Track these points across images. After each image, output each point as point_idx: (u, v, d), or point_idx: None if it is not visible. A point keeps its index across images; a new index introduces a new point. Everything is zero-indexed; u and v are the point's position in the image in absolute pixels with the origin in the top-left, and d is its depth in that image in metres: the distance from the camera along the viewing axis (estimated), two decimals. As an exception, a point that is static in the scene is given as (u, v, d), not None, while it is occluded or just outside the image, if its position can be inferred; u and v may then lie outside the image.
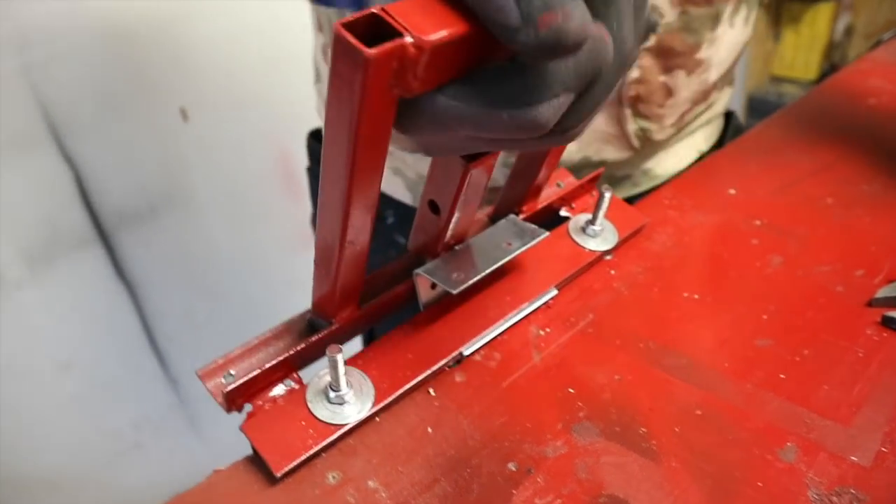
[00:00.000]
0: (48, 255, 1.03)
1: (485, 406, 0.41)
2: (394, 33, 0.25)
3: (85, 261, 1.07)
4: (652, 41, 0.61)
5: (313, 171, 0.83)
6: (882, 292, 0.47)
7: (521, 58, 0.26)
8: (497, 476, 0.37)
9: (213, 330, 1.30)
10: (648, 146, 0.69)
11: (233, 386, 0.38)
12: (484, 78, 0.27)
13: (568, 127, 0.29)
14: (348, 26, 0.25)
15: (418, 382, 0.42)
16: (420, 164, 0.71)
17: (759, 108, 2.48)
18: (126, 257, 1.12)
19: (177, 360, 1.25)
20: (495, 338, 0.46)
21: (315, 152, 0.82)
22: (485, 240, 0.46)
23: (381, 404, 0.40)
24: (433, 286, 0.45)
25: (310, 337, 0.42)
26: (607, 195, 0.51)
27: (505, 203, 0.51)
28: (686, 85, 0.66)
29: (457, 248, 0.45)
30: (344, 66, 0.25)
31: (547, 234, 0.46)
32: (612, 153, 0.67)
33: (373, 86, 0.25)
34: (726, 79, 0.73)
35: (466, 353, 0.44)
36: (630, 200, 0.57)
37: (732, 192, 0.60)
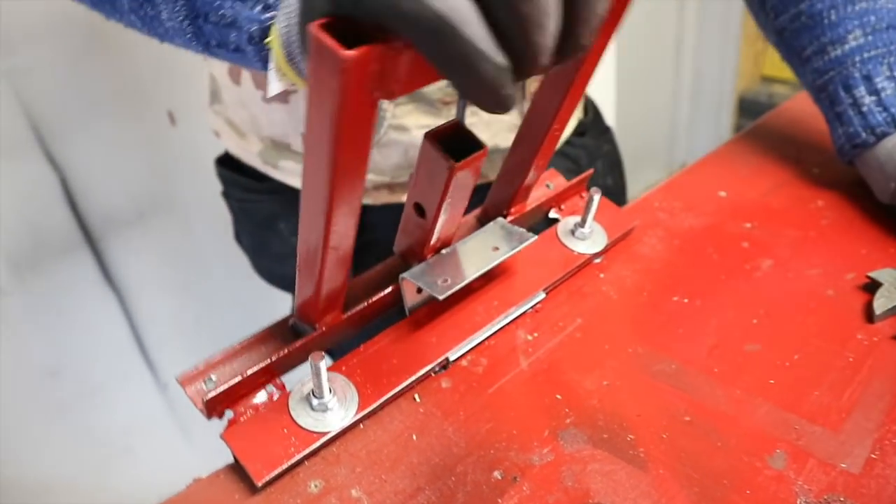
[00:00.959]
0: (34, 261, 1.02)
1: (471, 412, 0.40)
2: (373, 34, 0.24)
3: (72, 266, 1.06)
4: None
5: (229, 195, 0.83)
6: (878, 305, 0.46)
7: None
8: (482, 484, 0.36)
9: (202, 335, 1.29)
10: None
11: (213, 393, 0.37)
12: None
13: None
14: (326, 27, 0.24)
15: (403, 388, 0.41)
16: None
17: (749, 108, 2.48)
18: (113, 262, 1.11)
19: (166, 365, 1.24)
20: (482, 343, 0.45)
21: (225, 178, 0.81)
22: (472, 244, 0.46)
23: (365, 411, 0.40)
24: (419, 290, 0.44)
25: (293, 343, 0.41)
26: (596, 197, 0.50)
27: (493, 204, 0.50)
28: None
29: (444, 251, 0.45)
30: (322, 69, 0.24)
31: (535, 237, 0.45)
32: None
33: (352, 90, 0.25)
34: None
35: (452, 358, 0.44)
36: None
37: (723, 194, 0.60)
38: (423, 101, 0.61)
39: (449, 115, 0.63)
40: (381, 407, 0.41)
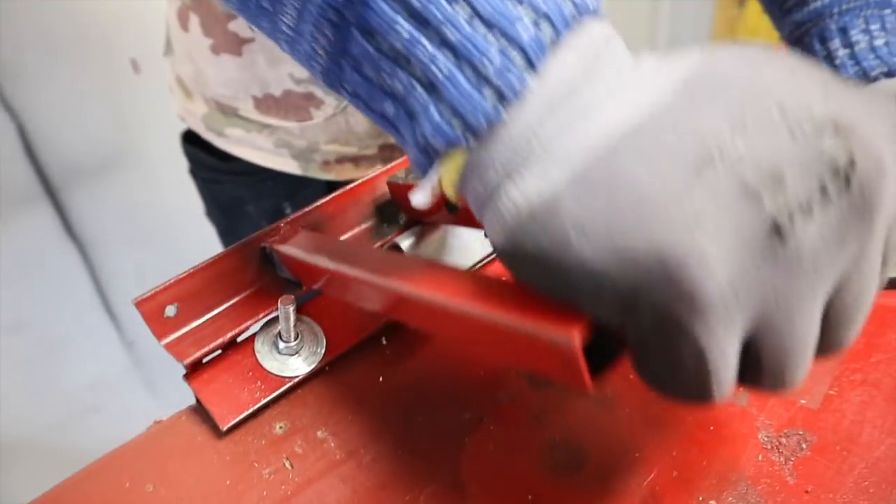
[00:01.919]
0: (-7, 212, 0.99)
1: (439, 354, 0.40)
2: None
3: (32, 218, 1.03)
4: None
5: (195, 174, 0.77)
6: None
7: None
8: (450, 424, 0.36)
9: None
10: None
11: (176, 335, 0.37)
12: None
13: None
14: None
15: (372, 334, 0.41)
16: (309, 132, 0.65)
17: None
18: (76, 215, 1.08)
19: (131, 321, 1.22)
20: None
21: (191, 156, 0.74)
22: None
23: (333, 356, 0.39)
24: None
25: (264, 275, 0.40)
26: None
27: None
28: None
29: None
30: (547, 346, 0.23)
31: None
32: None
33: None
34: None
35: (421, 302, 0.44)
36: None
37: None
38: None
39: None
40: (349, 350, 0.40)
